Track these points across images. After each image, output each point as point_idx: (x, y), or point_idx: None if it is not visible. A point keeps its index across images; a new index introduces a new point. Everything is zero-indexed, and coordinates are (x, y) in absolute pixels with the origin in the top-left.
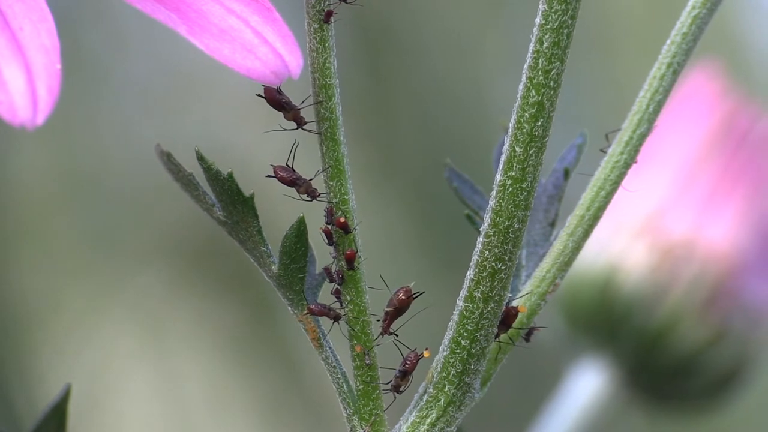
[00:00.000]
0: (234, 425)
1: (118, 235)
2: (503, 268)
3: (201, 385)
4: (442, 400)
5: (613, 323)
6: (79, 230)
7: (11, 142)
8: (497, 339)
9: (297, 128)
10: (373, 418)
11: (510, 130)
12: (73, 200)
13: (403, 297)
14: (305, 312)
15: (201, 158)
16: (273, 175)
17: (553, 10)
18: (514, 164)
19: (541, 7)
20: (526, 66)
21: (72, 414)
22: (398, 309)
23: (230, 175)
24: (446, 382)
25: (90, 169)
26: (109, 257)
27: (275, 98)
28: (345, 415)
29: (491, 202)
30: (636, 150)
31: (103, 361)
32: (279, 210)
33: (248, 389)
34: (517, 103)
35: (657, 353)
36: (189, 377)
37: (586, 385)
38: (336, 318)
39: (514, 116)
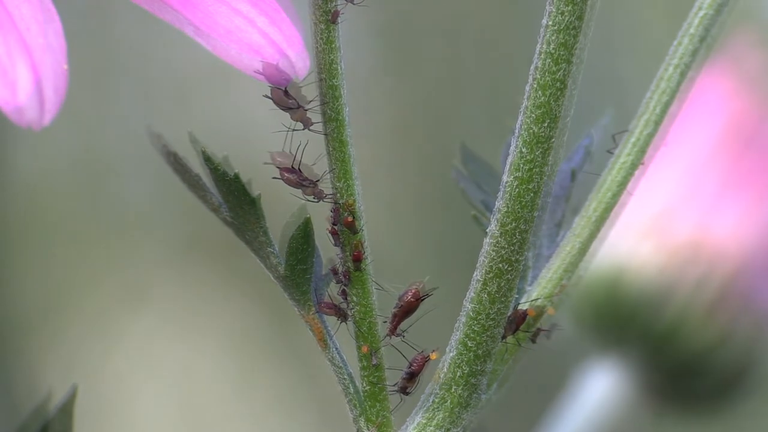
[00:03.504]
0: (251, 423)
1: (140, 234)
2: (510, 269)
3: (219, 382)
4: (450, 401)
5: (620, 324)
6: (97, 227)
7: (31, 137)
8: (504, 341)
9: (303, 129)
10: (379, 419)
11: (517, 131)
12: (95, 195)
13: (412, 298)
14: (312, 311)
15: (207, 159)
16: (279, 177)
17: (559, 12)
18: (521, 165)
19: (548, 8)
20: (532, 67)
21: (87, 413)
22: (407, 309)
23: (237, 176)
24: (453, 383)
25: (110, 164)
26: (132, 254)
27: (282, 99)
28: (351, 416)
29: (498, 203)
30: (643, 151)
31: (119, 359)
32: (289, 210)
33: (266, 387)
34: (524, 104)
35: (665, 354)
36: (208, 374)
37: (595, 386)
38: (344, 317)
39: (520, 117)
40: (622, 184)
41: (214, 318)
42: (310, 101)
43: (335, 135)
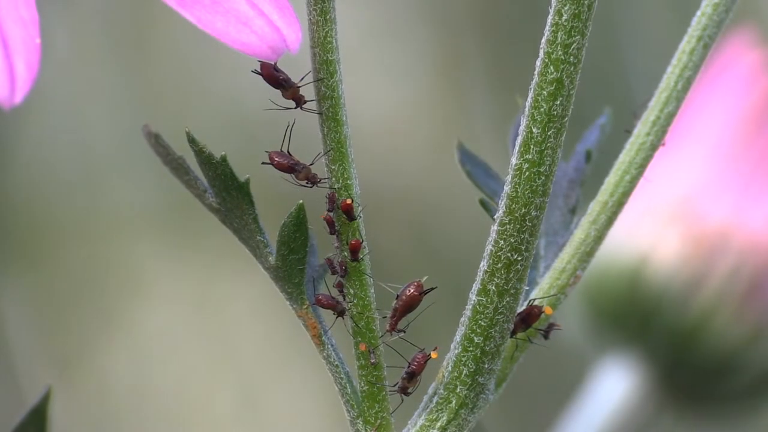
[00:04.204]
0: (253, 422)
1: (141, 232)
2: (519, 258)
3: (222, 379)
4: (454, 402)
5: (641, 320)
6: (98, 226)
7: (32, 136)
8: (514, 336)
9: (296, 107)
10: (378, 421)
11: (527, 109)
12: (95, 193)
13: (415, 291)
14: (305, 306)
15: (192, 140)
16: (269, 162)
17: None
18: (531, 146)
19: None
20: (543, 40)
21: (88, 413)
22: (409, 303)
23: (224, 159)
24: (458, 383)
25: (111, 162)
26: (133, 252)
27: (272, 75)
28: (348, 418)
29: (506, 188)
30: (663, 131)
31: (119, 357)
32: (282, 197)
33: (269, 386)
34: (534, 81)
35: (690, 351)
36: (211, 372)
37: (613, 386)
38: (341, 312)
39: (530, 94)
40: (642, 167)
41: (216, 317)
42: (302, 77)
43: (330, 114)
